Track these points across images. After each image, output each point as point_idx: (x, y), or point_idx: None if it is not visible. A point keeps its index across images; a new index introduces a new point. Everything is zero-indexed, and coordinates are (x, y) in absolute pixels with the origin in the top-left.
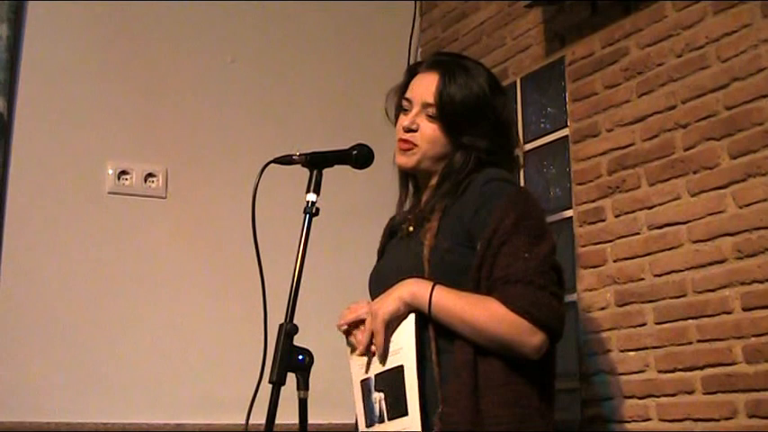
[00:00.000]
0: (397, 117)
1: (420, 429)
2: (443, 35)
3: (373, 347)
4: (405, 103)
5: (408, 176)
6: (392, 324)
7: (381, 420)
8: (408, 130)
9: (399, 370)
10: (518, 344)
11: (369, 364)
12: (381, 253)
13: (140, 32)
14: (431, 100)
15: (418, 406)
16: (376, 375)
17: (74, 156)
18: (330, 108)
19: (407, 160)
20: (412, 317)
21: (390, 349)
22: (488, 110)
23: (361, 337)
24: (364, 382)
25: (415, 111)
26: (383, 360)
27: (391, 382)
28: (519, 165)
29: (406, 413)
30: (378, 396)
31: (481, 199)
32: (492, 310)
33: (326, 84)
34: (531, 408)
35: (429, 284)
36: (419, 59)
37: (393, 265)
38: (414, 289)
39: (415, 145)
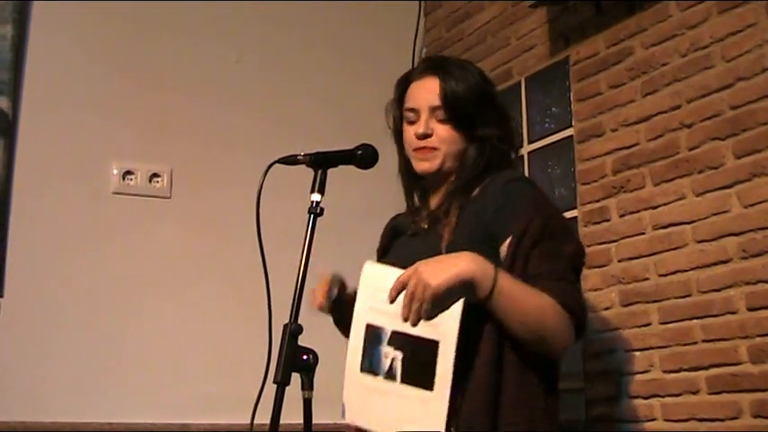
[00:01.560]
0: (399, 130)
1: (446, 414)
2: (447, 35)
3: (404, 309)
4: (410, 115)
5: (415, 184)
6: (442, 301)
7: (391, 377)
8: (424, 137)
9: (433, 344)
10: (559, 339)
11: (385, 314)
12: (383, 252)
13: (145, 32)
14: (437, 102)
15: (449, 392)
16: (395, 332)
17: (78, 156)
18: (335, 108)
19: (431, 164)
20: (461, 303)
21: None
22: (489, 98)
23: (395, 291)
24: (373, 329)
25: (424, 117)
26: (413, 324)
27: (417, 350)
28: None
29: (430, 388)
30: (392, 352)
31: (503, 199)
32: (547, 301)
33: (331, 84)
34: (539, 408)
35: (490, 264)
36: (423, 59)
37: (404, 261)
38: (474, 267)
39: (435, 148)
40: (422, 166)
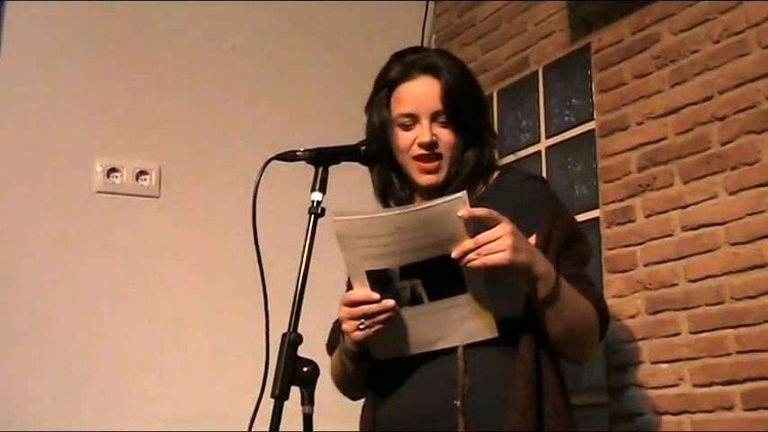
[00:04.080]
0: (385, 134)
1: (490, 305)
2: (459, 21)
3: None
4: (405, 120)
5: (394, 188)
6: (503, 270)
7: (417, 303)
8: (432, 146)
9: (448, 257)
10: (593, 345)
11: (383, 256)
12: None
13: (131, 18)
14: (440, 107)
15: (485, 286)
16: (403, 267)
17: (59, 152)
18: (337, 100)
19: (437, 177)
20: (463, 198)
21: (434, 241)
22: (480, 94)
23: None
24: (376, 273)
25: (425, 123)
26: (422, 250)
27: (435, 268)
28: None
29: (464, 291)
30: (408, 283)
31: (524, 195)
32: (589, 306)
33: (333, 74)
34: (572, 416)
35: (551, 265)
36: (433, 47)
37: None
38: (543, 267)
39: (440, 157)
40: (428, 179)
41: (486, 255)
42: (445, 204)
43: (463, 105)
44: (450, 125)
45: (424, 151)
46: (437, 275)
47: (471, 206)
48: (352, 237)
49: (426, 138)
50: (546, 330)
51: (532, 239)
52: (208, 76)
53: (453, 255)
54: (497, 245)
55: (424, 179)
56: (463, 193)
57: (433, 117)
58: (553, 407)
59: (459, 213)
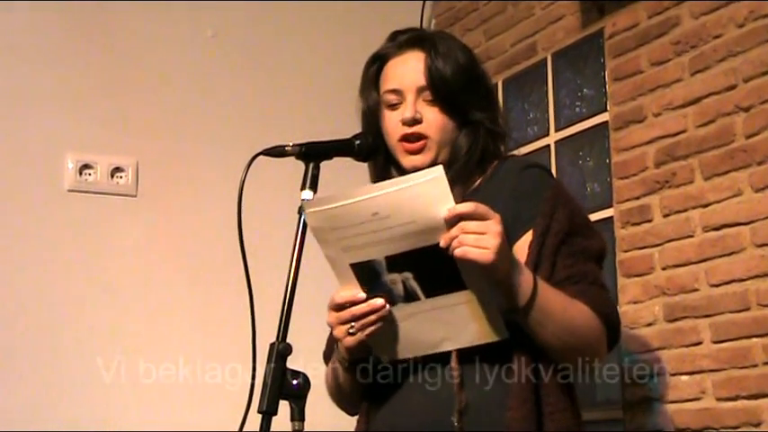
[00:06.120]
0: (375, 118)
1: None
2: (460, 5)
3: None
4: (391, 97)
5: (388, 176)
6: (484, 270)
7: (412, 299)
8: (413, 122)
9: (437, 248)
10: (595, 353)
11: (365, 246)
12: None
13: (104, 3)
14: (424, 81)
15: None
16: (389, 257)
17: (27, 147)
18: (329, 90)
19: (423, 158)
20: (439, 176)
21: (417, 228)
22: (480, 76)
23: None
24: (361, 266)
25: (410, 99)
26: (407, 238)
27: (427, 260)
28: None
29: (464, 287)
30: (398, 277)
31: (520, 186)
32: (584, 312)
33: (324, 63)
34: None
35: (530, 272)
36: (394, 33)
37: None
38: (520, 278)
39: (425, 137)
40: (413, 161)
41: (469, 246)
42: (421, 185)
43: (453, 82)
44: (438, 103)
45: (407, 129)
46: (430, 268)
47: (462, 200)
48: (327, 228)
49: (408, 113)
50: (536, 341)
51: (528, 236)
52: (188, 66)
53: (441, 243)
54: (483, 240)
55: (408, 160)
56: (439, 170)
57: (419, 93)
58: (557, 427)
59: (442, 216)
